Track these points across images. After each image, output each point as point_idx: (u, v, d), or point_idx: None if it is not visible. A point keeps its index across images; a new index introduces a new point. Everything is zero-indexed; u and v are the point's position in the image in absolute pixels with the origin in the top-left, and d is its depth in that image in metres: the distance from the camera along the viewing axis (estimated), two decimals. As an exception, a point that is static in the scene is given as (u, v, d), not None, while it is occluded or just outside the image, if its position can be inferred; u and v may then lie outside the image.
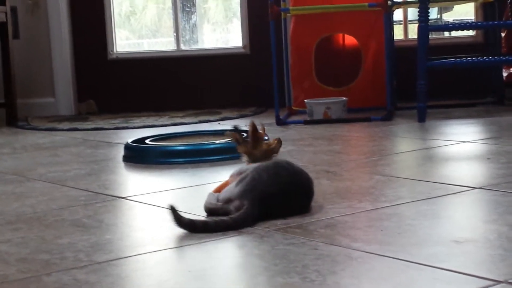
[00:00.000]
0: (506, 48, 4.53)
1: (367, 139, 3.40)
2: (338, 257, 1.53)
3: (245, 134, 2.15)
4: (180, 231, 1.83)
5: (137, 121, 4.41)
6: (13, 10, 4.83)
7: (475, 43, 4.88)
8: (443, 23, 6.10)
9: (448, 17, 6.48)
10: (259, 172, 1.89)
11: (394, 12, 4.60)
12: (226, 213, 1.85)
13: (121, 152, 3.09)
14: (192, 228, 1.77)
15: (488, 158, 2.63)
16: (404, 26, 5.07)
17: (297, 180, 1.92)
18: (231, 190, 1.90)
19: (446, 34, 5.38)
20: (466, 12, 5.91)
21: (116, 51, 5.19)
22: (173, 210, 1.77)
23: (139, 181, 2.71)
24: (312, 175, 2.37)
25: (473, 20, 5.07)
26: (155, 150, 2.97)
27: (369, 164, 2.66)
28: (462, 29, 4.10)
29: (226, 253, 1.64)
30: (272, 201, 1.85)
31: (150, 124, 4.26)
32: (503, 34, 4.54)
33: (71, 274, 1.50)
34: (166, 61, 5.14)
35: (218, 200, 1.94)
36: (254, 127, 2.12)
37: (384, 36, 4.08)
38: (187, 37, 5.34)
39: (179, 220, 1.77)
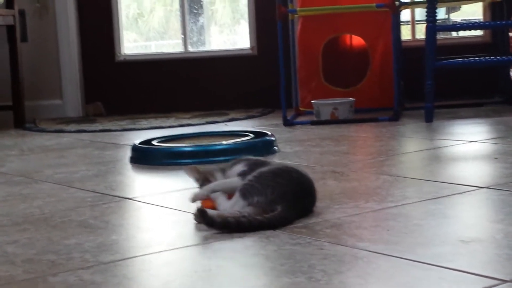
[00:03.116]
0: (514, 48, 4.52)
1: (374, 140, 3.40)
2: (344, 257, 1.52)
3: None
4: (186, 231, 1.83)
5: (144, 123, 4.42)
6: (21, 13, 4.84)
7: (483, 43, 4.87)
8: (450, 23, 6.09)
9: (456, 17, 6.46)
10: (273, 177, 1.87)
11: (402, 13, 4.59)
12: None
13: (128, 153, 3.09)
14: (226, 227, 1.76)
15: (496, 158, 2.62)
16: (412, 26, 5.06)
17: (308, 180, 1.93)
18: (241, 203, 1.84)
19: (454, 34, 5.37)
20: (474, 12, 5.89)
21: (124, 53, 5.20)
22: (202, 212, 1.77)
23: (145, 182, 2.72)
24: (319, 175, 2.38)
25: (481, 20, 5.05)
26: (162, 151, 2.97)
27: (376, 164, 2.66)
28: (470, 29, 4.10)
29: (232, 254, 1.64)
30: (299, 202, 1.86)
31: (157, 125, 4.26)
32: (511, 34, 4.52)
33: (78, 275, 1.50)
34: (174, 63, 5.14)
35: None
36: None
37: (392, 36, 4.08)
38: (194, 39, 5.35)
39: (211, 220, 1.76)
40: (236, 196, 1.87)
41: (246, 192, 1.86)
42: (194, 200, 1.96)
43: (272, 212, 1.80)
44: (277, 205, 1.81)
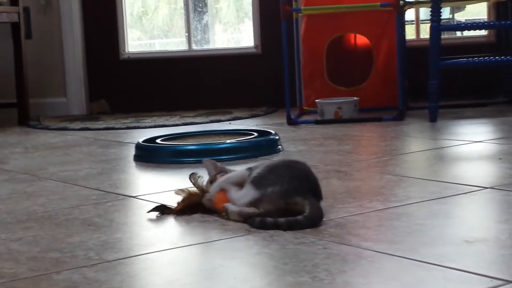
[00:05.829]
0: (518, 48, 4.51)
1: (378, 139, 3.40)
2: (348, 257, 1.52)
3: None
4: (189, 230, 1.83)
5: (148, 121, 4.42)
6: (26, 10, 4.85)
7: (487, 43, 4.86)
8: (455, 23, 6.07)
9: (460, 17, 6.45)
10: (287, 168, 1.86)
11: (406, 12, 4.58)
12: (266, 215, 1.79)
13: (132, 151, 3.09)
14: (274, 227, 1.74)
15: (500, 158, 2.61)
16: (416, 25, 5.06)
17: (314, 175, 1.92)
18: (253, 193, 1.82)
19: (458, 34, 5.36)
20: (478, 12, 5.88)
21: (128, 51, 5.20)
22: (252, 216, 1.78)
23: (149, 180, 2.72)
24: (322, 174, 2.38)
25: (486, 20, 5.05)
26: (166, 149, 2.97)
27: (380, 164, 2.66)
28: (475, 29, 4.09)
29: (236, 252, 1.64)
30: (316, 194, 1.85)
31: (161, 123, 4.26)
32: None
33: (81, 272, 1.50)
34: (178, 61, 5.14)
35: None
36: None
37: (396, 36, 4.07)
38: (198, 37, 5.35)
39: (263, 222, 1.76)
40: (248, 186, 1.85)
41: (259, 183, 1.83)
42: (208, 198, 1.95)
43: (288, 203, 1.79)
44: (296, 196, 1.79)
